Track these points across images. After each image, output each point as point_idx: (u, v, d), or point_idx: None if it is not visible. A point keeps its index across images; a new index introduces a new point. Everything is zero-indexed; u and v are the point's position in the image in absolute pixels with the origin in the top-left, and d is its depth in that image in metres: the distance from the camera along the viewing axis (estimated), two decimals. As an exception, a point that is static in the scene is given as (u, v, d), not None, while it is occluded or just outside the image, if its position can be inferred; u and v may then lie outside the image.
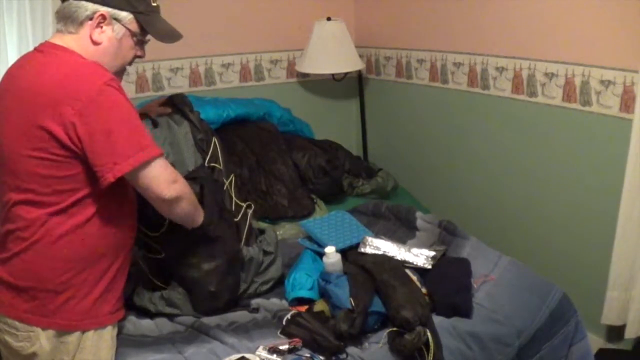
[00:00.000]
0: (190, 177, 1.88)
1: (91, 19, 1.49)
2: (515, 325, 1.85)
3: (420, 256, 2.06)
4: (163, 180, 1.51)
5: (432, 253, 2.08)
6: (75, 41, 1.50)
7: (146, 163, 1.46)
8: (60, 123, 1.40)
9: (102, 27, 1.51)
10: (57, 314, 1.53)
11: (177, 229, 1.81)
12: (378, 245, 2.11)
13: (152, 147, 1.49)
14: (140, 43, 1.61)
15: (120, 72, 1.61)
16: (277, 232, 2.40)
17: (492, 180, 2.87)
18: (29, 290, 1.51)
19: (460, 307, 1.85)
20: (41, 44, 1.54)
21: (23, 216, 1.50)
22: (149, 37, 1.63)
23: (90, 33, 1.50)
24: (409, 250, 2.09)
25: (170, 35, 1.65)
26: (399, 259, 2.05)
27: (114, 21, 1.52)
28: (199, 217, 1.77)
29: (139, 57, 1.63)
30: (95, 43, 1.51)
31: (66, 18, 1.50)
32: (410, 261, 2.05)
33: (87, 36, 1.50)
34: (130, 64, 1.63)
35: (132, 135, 1.45)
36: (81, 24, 1.50)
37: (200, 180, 1.88)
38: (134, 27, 1.56)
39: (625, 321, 2.24)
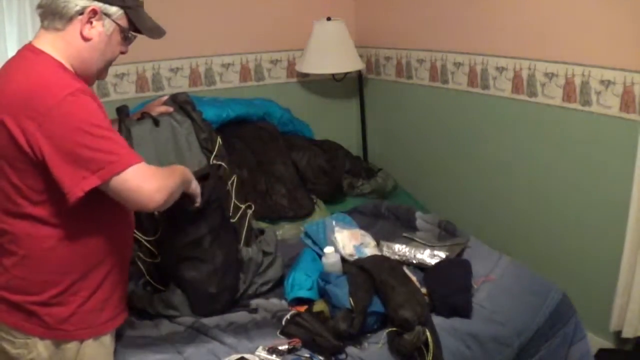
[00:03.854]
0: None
1: (81, 14, 1.44)
2: (515, 326, 1.85)
3: (435, 257, 2.11)
4: (145, 190, 1.40)
5: (446, 253, 2.12)
6: (60, 39, 1.45)
7: (119, 174, 1.37)
8: (21, 133, 1.35)
9: (92, 22, 1.46)
10: (54, 325, 1.50)
11: (174, 233, 1.80)
12: (394, 249, 2.15)
13: (124, 157, 1.39)
14: (127, 39, 1.57)
15: (104, 69, 1.57)
16: (277, 232, 2.40)
17: (492, 181, 2.87)
18: (24, 304, 1.48)
19: (459, 307, 1.85)
20: (24, 46, 1.50)
21: (8, 229, 1.46)
22: (133, 33, 1.58)
23: (81, 29, 1.45)
24: (423, 252, 2.13)
25: (157, 31, 1.60)
26: (415, 262, 2.10)
27: (104, 16, 1.47)
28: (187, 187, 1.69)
29: (122, 53, 1.59)
30: (85, 39, 1.46)
31: (53, 14, 1.45)
32: (428, 262, 2.09)
33: (76, 32, 1.45)
34: (114, 60, 1.59)
35: (100, 146, 1.37)
36: (70, 19, 1.44)
37: (201, 178, 1.88)
38: (124, 22, 1.52)
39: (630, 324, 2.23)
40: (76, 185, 1.35)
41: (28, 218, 1.44)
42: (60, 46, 1.45)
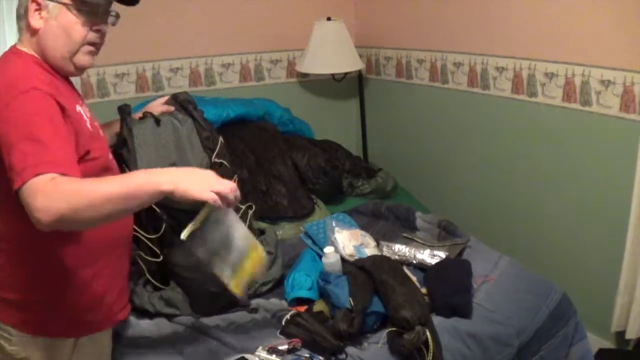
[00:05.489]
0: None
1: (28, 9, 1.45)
2: (515, 326, 1.85)
3: (435, 257, 2.11)
4: (31, 207, 1.22)
5: (446, 253, 2.12)
6: (24, 37, 1.47)
7: (25, 183, 1.23)
8: None
9: (40, 13, 1.44)
10: (49, 322, 1.49)
11: (177, 231, 1.80)
12: (394, 250, 2.15)
13: (33, 166, 1.24)
14: (89, 14, 1.46)
15: (77, 53, 1.47)
16: (277, 232, 2.40)
17: (492, 181, 2.87)
18: (17, 302, 1.48)
19: (459, 307, 1.85)
20: (9, 48, 1.51)
21: None
22: (102, 5, 1.49)
23: (29, 22, 1.45)
24: (423, 252, 2.12)
25: None
26: (415, 262, 2.10)
27: (46, 2, 1.44)
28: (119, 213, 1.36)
29: (99, 30, 1.48)
30: (34, 31, 1.45)
31: (18, 17, 1.49)
32: (428, 262, 2.09)
33: (30, 27, 1.46)
34: (95, 45, 1.49)
35: (24, 149, 1.26)
36: (25, 16, 1.46)
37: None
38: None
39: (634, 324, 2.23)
40: (13, 185, 1.26)
41: (8, 214, 1.42)
42: (27, 43, 1.47)
